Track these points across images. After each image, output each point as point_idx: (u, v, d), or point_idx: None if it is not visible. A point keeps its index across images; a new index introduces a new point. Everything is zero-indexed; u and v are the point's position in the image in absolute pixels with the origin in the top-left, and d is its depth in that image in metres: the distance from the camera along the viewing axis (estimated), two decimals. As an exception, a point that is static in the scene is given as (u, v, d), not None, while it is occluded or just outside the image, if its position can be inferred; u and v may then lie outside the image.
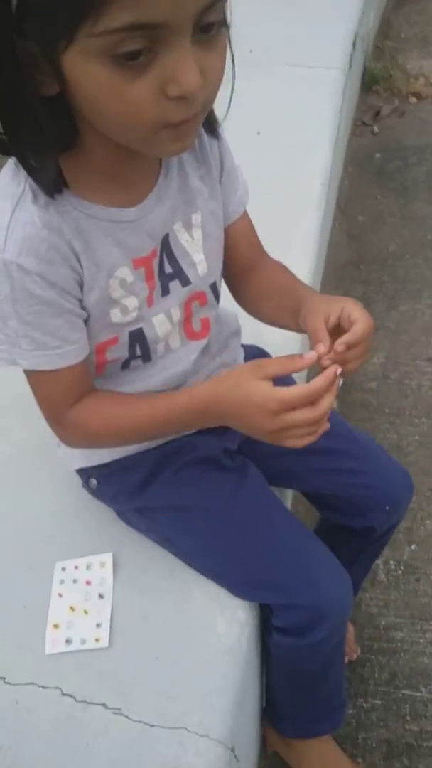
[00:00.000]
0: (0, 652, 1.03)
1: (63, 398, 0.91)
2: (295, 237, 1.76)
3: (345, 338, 0.84)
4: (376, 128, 2.93)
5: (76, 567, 1.11)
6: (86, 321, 0.89)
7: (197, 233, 0.96)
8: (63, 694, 0.98)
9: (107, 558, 1.11)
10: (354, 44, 2.64)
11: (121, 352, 0.95)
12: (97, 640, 1.02)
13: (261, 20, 2.48)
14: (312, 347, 0.85)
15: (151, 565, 1.10)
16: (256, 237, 1.09)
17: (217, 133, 0.92)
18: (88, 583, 1.08)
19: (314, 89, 2.35)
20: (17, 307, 0.81)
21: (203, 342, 1.04)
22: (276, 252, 1.12)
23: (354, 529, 1.18)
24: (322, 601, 1.00)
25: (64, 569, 1.10)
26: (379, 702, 1.41)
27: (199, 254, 0.97)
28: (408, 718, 1.38)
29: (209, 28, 0.67)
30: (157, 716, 0.95)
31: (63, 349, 0.86)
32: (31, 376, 0.90)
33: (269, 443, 0.84)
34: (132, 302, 0.91)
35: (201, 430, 1.10)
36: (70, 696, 0.98)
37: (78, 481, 1.15)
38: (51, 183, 0.77)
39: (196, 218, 0.95)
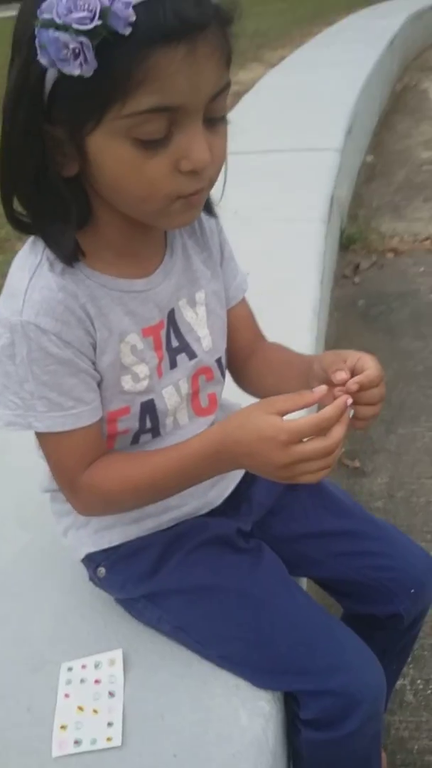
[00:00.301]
0: (2, 758, 0.92)
1: (77, 462, 0.89)
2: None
3: (358, 378, 0.85)
4: (357, 279, 3.09)
5: (83, 666, 1.02)
6: (99, 385, 0.89)
7: (201, 310, 0.99)
8: (72, 801, 0.87)
9: (117, 655, 1.03)
10: (331, 203, 2.84)
11: (131, 423, 0.94)
12: (108, 739, 0.93)
13: (244, 186, 2.69)
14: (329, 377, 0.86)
15: (164, 661, 1.02)
16: (256, 323, 1.13)
17: (214, 212, 0.99)
18: (96, 682, 1.00)
19: (297, 238, 2.52)
20: (34, 368, 0.82)
21: (210, 418, 1.04)
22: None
23: (379, 619, 1.10)
24: (354, 684, 0.93)
25: (70, 669, 1.02)
26: None
27: (204, 329, 0.99)
28: None
29: (215, 121, 0.77)
30: None
31: (78, 410, 0.86)
32: (45, 439, 0.89)
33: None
34: (143, 370, 0.92)
35: (212, 510, 1.07)
36: (80, 803, 0.87)
37: (83, 576, 1.09)
38: (70, 254, 0.82)
39: (200, 296, 0.99)
